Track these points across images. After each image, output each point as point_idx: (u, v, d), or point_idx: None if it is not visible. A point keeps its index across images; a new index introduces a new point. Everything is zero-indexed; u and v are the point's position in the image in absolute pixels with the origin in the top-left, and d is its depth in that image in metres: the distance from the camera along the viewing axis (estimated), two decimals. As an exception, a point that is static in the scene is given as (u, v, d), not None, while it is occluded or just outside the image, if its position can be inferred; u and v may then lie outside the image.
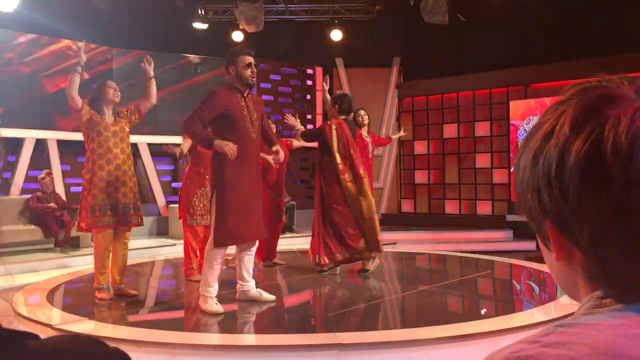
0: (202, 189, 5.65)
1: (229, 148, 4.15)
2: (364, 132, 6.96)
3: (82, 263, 7.15)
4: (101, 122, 4.78)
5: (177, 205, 9.49)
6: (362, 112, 7.05)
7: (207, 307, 4.29)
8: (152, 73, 5.04)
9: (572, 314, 0.60)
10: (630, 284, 0.56)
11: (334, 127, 5.61)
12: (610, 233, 0.54)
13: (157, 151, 10.43)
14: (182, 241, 6.53)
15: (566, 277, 0.62)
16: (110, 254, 4.87)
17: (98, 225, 4.73)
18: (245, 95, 4.44)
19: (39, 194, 8.28)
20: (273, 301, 4.65)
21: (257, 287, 4.67)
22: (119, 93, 4.95)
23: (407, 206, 12.39)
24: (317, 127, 5.94)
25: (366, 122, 7.00)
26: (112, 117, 4.91)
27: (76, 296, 5.07)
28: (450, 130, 11.77)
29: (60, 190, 9.08)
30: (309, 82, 12.56)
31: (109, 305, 4.77)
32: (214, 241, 4.28)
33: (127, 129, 4.94)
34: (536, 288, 5.61)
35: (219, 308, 4.30)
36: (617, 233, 0.54)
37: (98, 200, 4.70)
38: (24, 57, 9.17)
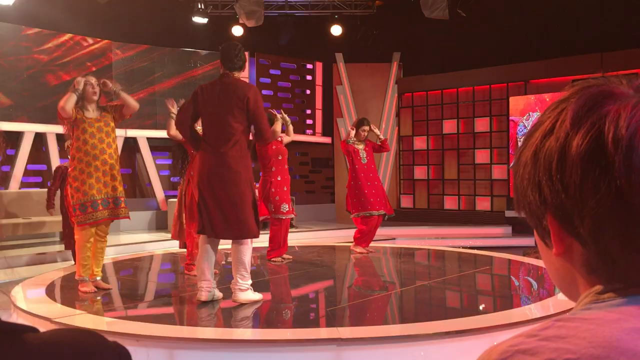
0: None
1: None
2: (360, 144, 7.06)
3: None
4: (85, 120, 4.80)
5: (176, 200, 9.49)
6: (366, 127, 7.09)
7: (256, 296, 4.43)
8: (113, 88, 4.95)
9: (570, 309, 0.61)
10: (629, 278, 0.57)
11: None
12: (610, 223, 0.55)
13: (156, 145, 10.43)
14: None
15: (565, 274, 0.63)
16: (91, 249, 4.90)
17: (90, 222, 4.76)
18: None
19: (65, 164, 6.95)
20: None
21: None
22: (97, 89, 4.88)
23: (406, 202, 12.40)
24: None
25: (364, 137, 7.07)
26: (97, 112, 4.89)
27: (75, 290, 5.07)
28: (449, 126, 11.76)
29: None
30: (309, 77, 12.54)
31: (107, 299, 4.77)
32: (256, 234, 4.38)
33: (112, 124, 4.93)
34: (534, 284, 5.62)
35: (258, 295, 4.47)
36: (617, 222, 0.55)
37: (89, 196, 4.74)
38: (27, 51, 9.17)
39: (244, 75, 11.32)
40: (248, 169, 4.38)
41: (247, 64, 4.60)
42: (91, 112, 4.86)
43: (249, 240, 4.34)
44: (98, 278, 5.01)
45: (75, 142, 4.79)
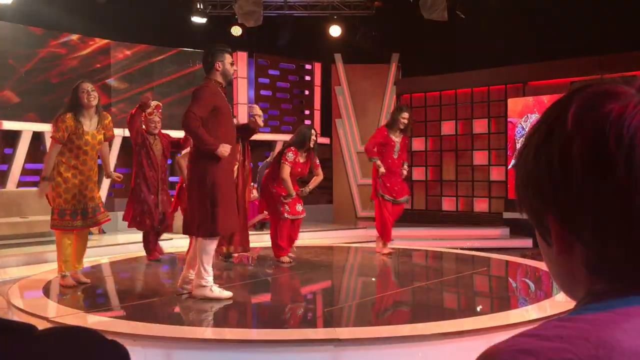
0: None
1: (226, 150, 4.33)
2: (397, 136, 6.79)
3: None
4: (83, 135, 4.87)
5: (173, 200, 9.43)
6: (406, 115, 6.77)
7: (215, 295, 4.42)
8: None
9: (568, 310, 0.61)
10: (629, 278, 0.57)
11: None
12: (612, 222, 0.56)
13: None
14: (178, 235, 6.53)
15: (566, 273, 0.63)
16: (71, 245, 5.04)
17: (67, 228, 4.92)
18: (224, 89, 4.62)
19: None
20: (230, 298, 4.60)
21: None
22: (95, 94, 4.95)
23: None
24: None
25: (403, 126, 6.76)
26: (95, 120, 4.97)
27: (72, 289, 5.07)
28: (448, 127, 11.77)
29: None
30: (308, 78, 12.53)
31: (104, 298, 4.78)
32: (208, 233, 4.38)
33: (102, 140, 5.08)
34: (532, 285, 5.63)
35: (229, 292, 4.48)
36: (618, 222, 0.55)
37: (69, 205, 4.88)
38: (31, 50, 9.18)
39: (242, 75, 11.32)
40: (201, 167, 4.43)
41: (219, 64, 4.58)
42: (89, 123, 4.92)
43: (206, 238, 4.42)
44: (79, 272, 5.12)
45: (68, 152, 4.86)
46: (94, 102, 4.92)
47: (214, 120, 4.39)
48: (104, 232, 8.73)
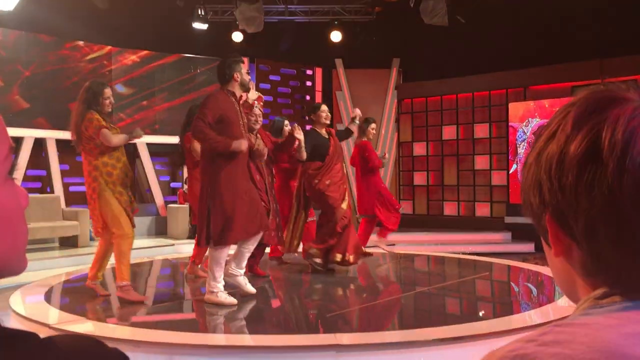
0: None
1: (243, 143, 4.40)
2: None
3: (80, 262, 7.14)
4: (111, 128, 4.80)
5: (175, 205, 9.44)
6: (374, 126, 7.15)
7: (220, 300, 4.49)
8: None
9: (569, 315, 0.62)
10: (625, 283, 0.58)
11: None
12: (603, 225, 0.56)
13: (155, 151, 10.43)
14: (179, 241, 6.50)
15: (565, 275, 0.64)
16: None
17: (132, 214, 4.81)
18: (237, 99, 4.61)
19: None
20: (254, 294, 4.77)
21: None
22: (112, 101, 4.94)
23: (405, 207, 12.39)
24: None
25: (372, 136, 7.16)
26: (109, 120, 4.98)
27: (74, 295, 5.07)
28: (449, 132, 11.77)
29: (58, 190, 9.05)
30: (309, 83, 12.55)
31: (106, 304, 4.77)
32: (217, 241, 4.41)
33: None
34: (534, 290, 5.62)
35: (233, 299, 4.54)
36: (609, 225, 0.56)
37: (122, 200, 4.72)
38: (36, 56, 9.22)
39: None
40: (209, 174, 4.48)
41: (237, 74, 4.62)
42: (108, 121, 4.92)
43: (212, 246, 4.49)
44: (97, 282, 5.01)
45: (106, 149, 4.70)
46: (111, 109, 4.95)
47: (222, 129, 4.39)
48: None
